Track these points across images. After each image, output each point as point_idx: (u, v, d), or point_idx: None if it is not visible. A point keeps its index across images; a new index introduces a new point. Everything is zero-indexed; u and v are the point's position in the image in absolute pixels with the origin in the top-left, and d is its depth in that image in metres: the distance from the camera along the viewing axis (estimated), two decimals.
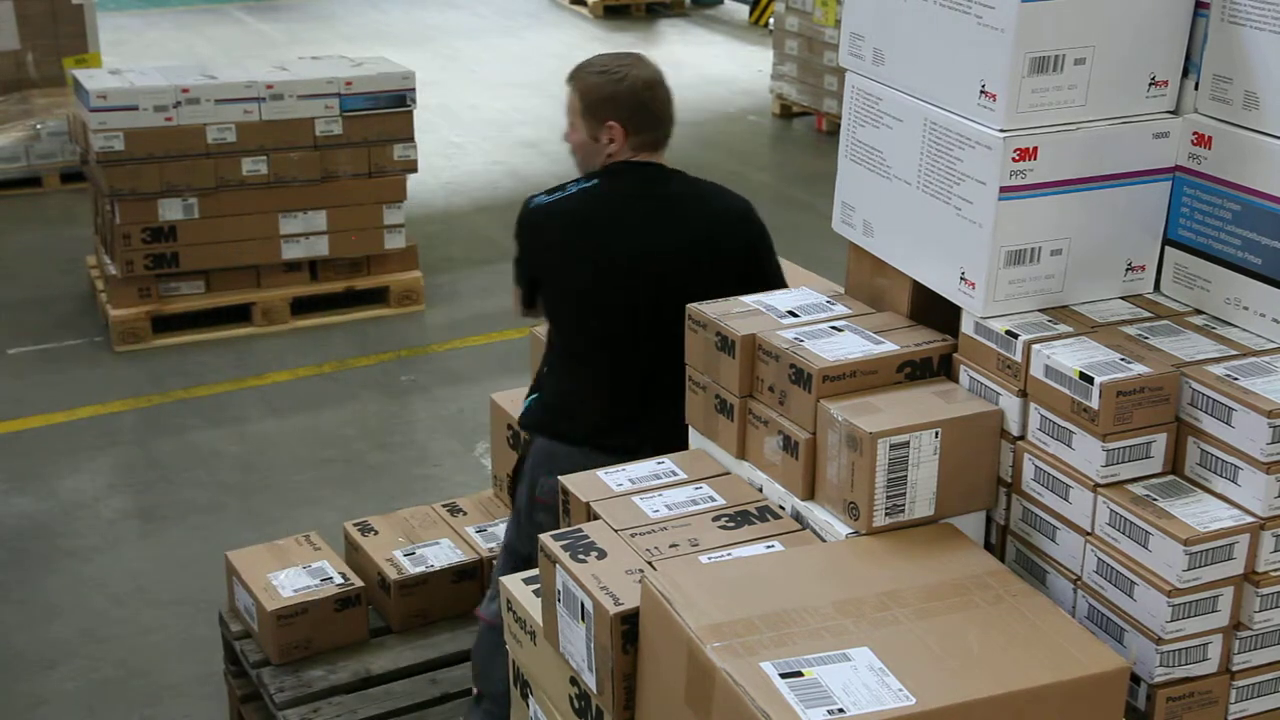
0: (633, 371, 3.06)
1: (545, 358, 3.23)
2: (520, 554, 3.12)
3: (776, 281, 3.08)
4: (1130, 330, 2.18)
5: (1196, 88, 2.20)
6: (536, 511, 3.09)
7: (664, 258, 3.03)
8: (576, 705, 2.26)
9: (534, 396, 3.23)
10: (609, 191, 3.09)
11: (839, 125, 2.53)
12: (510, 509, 3.33)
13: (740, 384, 2.37)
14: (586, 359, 3.12)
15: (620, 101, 3.06)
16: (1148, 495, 2.03)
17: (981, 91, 2.13)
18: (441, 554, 3.66)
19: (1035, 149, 2.13)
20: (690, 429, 2.58)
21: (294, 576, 3.53)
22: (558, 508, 2.71)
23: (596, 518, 2.34)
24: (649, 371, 3.02)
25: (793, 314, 2.44)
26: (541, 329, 3.66)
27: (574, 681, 2.24)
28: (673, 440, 2.69)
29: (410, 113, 6.39)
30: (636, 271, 3.04)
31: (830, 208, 2.57)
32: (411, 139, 6.43)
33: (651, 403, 3.01)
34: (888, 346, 2.30)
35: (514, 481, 3.26)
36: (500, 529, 3.81)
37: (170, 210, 6.04)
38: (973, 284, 2.21)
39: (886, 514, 2.16)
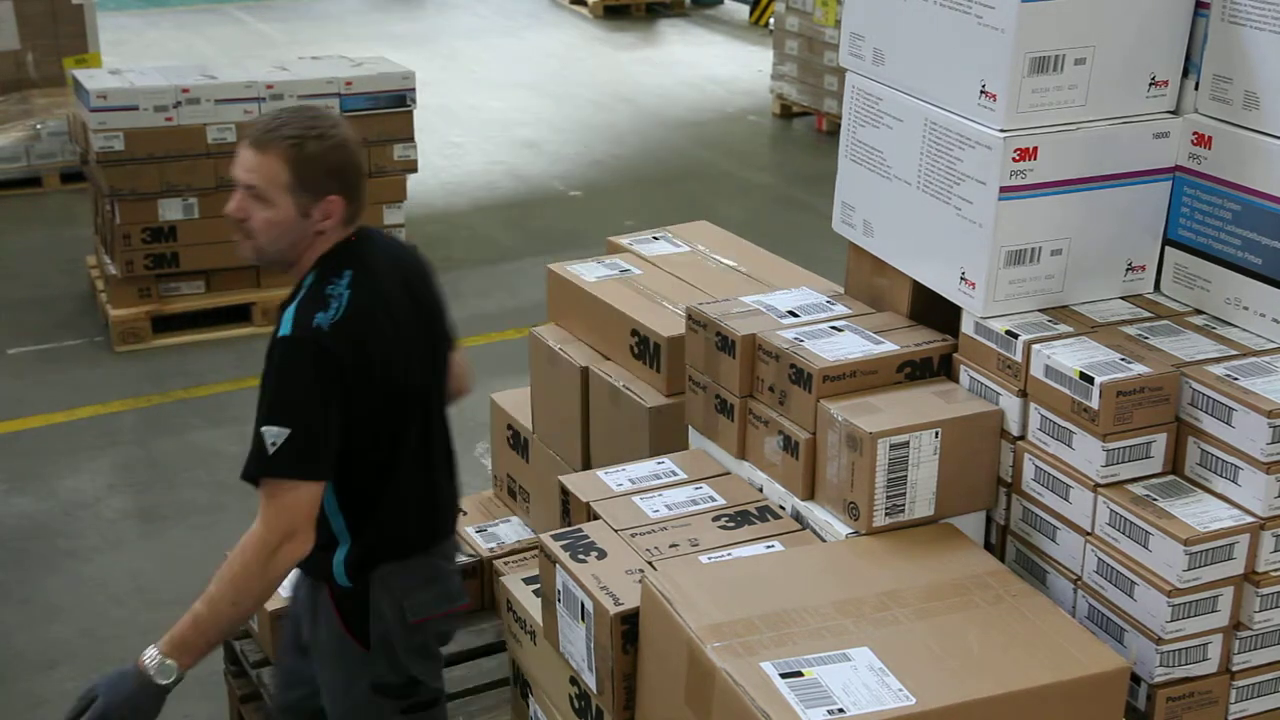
0: (444, 450, 2.89)
1: (333, 520, 2.69)
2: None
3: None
4: (1130, 330, 2.18)
5: (1196, 88, 2.20)
6: (414, 636, 2.68)
7: (438, 324, 2.85)
8: (576, 705, 2.26)
9: (342, 550, 2.69)
10: (379, 280, 2.65)
11: (839, 125, 2.53)
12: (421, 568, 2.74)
13: (740, 384, 2.37)
14: (406, 463, 2.75)
15: (343, 171, 2.57)
16: (1148, 495, 2.03)
17: (982, 91, 2.13)
18: None
19: (1035, 149, 2.13)
20: (690, 429, 2.58)
21: (293, 576, 3.52)
22: (437, 625, 2.63)
23: (597, 518, 2.34)
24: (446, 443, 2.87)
25: (793, 314, 2.44)
26: (542, 329, 3.66)
27: (574, 681, 2.24)
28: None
29: (410, 113, 6.39)
30: (432, 349, 2.81)
31: (830, 208, 2.57)
32: (411, 139, 6.43)
33: (453, 475, 2.89)
34: (888, 346, 2.30)
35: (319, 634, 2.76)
36: (500, 529, 3.81)
37: (170, 210, 6.04)
38: (973, 284, 2.21)
39: (886, 514, 2.16)
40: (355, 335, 2.54)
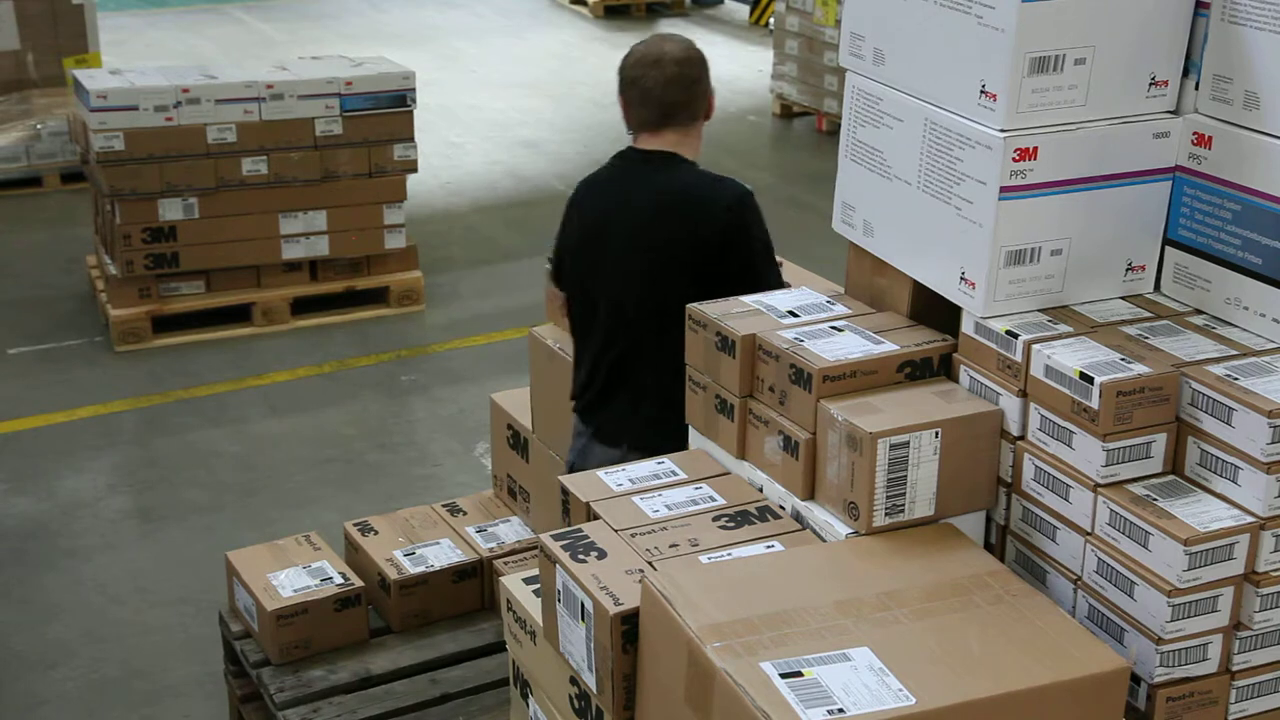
0: (596, 359, 3.15)
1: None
2: None
3: (762, 280, 2.94)
4: (1130, 330, 2.18)
5: (1197, 88, 2.20)
6: None
7: (622, 252, 3.06)
8: (576, 705, 2.26)
9: None
10: (600, 179, 3.19)
11: (839, 125, 2.53)
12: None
13: (740, 384, 2.37)
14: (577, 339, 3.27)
15: (622, 77, 3.10)
16: (1148, 495, 2.03)
17: (982, 91, 2.13)
18: (441, 554, 3.66)
19: (1035, 149, 2.13)
20: (690, 429, 2.58)
21: (294, 576, 3.53)
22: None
23: (596, 518, 2.34)
24: (612, 362, 3.10)
25: (793, 314, 2.44)
26: (542, 329, 3.67)
27: (574, 681, 2.24)
28: (649, 440, 2.70)
29: (410, 113, 6.39)
30: (598, 263, 3.12)
31: (830, 208, 2.57)
32: (411, 139, 6.43)
33: (611, 395, 3.10)
34: (888, 346, 2.30)
35: None
36: (500, 529, 3.81)
37: (170, 210, 6.04)
38: (973, 284, 2.21)
39: (886, 514, 2.16)
40: (569, 203, 3.22)
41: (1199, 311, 2.25)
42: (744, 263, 2.99)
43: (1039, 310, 2.24)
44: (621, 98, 3.12)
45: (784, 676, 1.82)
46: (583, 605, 2.14)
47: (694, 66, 3.07)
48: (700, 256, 2.98)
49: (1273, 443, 1.94)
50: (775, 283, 2.97)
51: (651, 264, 3.00)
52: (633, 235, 3.05)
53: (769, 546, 2.23)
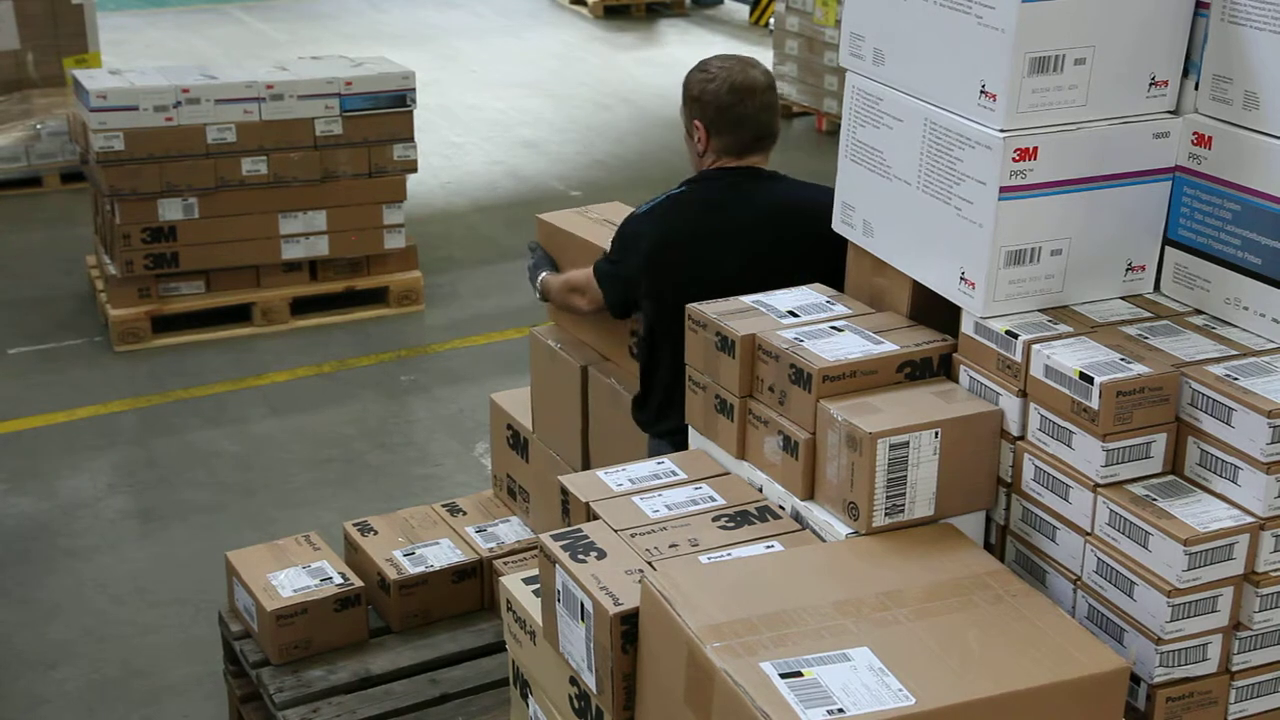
0: None
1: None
2: None
3: None
4: (1130, 330, 2.18)
5: (1196, 88, 2.20)
6: None
7: (738, 264, 3.02)
8: (576, 705, 2.26)
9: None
10: (693, 199, 3.14)
11: (839, 125, 2.53)
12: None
13: (740, 384, 2.37)
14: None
15: (707, 102, 3.10)
16: (1148, 495, 2.03)
17: (981, 91, 2.13)
18: (441, 554, 3.66)
19: (1035, 149, 2.13)
20: (690, 429, 2.58)
21: (294, 576, 3.53)
22: None
23: (596, 518, 2.34)
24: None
25: (793, 314, 2.44)
26: (542, 329, 3.67)
27: (574, 681, 2.24)
28: None
29: (410, 113, 6.39)
30: (709, 281, 2.97)
31: None
32: (411, 139, 6.43)
33: None
34: (888, 346, 2.30)
35: None
36: (500, 529, 3.81)
37: (170, 210, 6.04)
38: (973, 284, 2.21)
39: (886, 514, 2.16)
40: (632, 232, 3.16)
41: (1199, 311, 2.25)
42: None
43: (1039, 310, 2.24)
44: (707, 125, 3.11)
45: (784, 676, 1.82)
46: (582, 605, 2.14)
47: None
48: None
49: (1272, 443, 1.94)
50: None
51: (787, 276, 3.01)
52: (758, 255, 3.07)
53: (769, 546, 2.23)
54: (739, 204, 3.11)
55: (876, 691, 1.79)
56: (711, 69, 3.12)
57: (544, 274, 3.51)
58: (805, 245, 2.97)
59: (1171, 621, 1.96)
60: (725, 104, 3.09)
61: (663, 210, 3.15)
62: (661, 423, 3.15)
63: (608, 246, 3.25)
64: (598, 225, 3.53)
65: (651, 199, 3.19)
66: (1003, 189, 2.13)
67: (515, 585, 2.47)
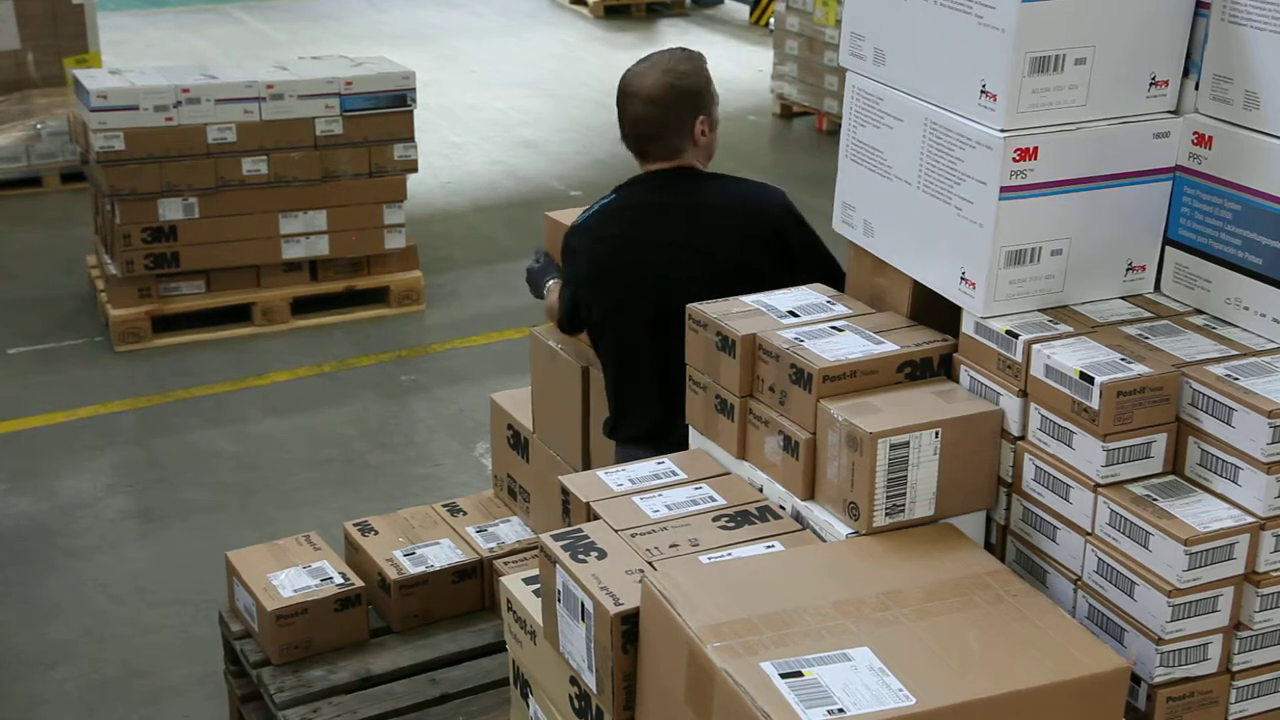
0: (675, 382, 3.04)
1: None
2: None
3: (824, 266, 3.03)
4: (1130, 330, 2.18)
5: (1197, 88, 2.20)
6: None
7: (662, 271, 3.07)
8: (576, 705, 2.26)
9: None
10: (620, 206, 3.19)
11: (839, 125, 2.53)
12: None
13: (740, 384, 2.37)
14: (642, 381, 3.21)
15: (620, 110, 3.14)
16: (1148, 495, 2.03)
17: (982, 91, 2.13)
18: (442, 554, 3.66)
19: (1035, 149, 2.13)
20: (690, 429, 2.58)
21: (294, 576, 3.53)
22: None
23: (596, 518, 2.34)
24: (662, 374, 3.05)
25: (793, 314, 2.44)
26: (542, 329, 3.67)
27: (574, 681, 2.24)
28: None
29: (410, 113, 6.39)
30: (640, 285, 3.11)
31: (830, 208, 2.57)
32: (411, 139, 6.43)
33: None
34: (888, 346, 2.30)
35: None
36: (500, 529, 3.81)
37: (170, 210, 6.04)
38: (973, 284, 2.21)
39: (886, 514, 2.16)
40: (583, 241, 3.21)
41: (1199, 311, 2.25)
42: (812, 251, 3.15)
43: (1039, 310, 2.24)
44: (622, 133, 3.20)
45: (784, 676, 1.82)
46: (583, 605, 2.14)
47: (669, 96, 3.10)
48: (779, 259, 3.11)
49: (1273, 443, 1.94)
50: None
51: (711, 282, 3.04)
52: (680, 259, 3.11)
53: (769, 546, 2.23)
54: (645, 210, 3.17)
55: (877, 691, 1.79)
56: (697, 59, 3.13)
57: (550, 281, 3.50)
58: (751, 243, 3.04)
59: (1172, 621, 1.96)
60: (619, 104, 3.16)
61: (595, 216, 3.23)
62: (618, 430, 3.23)
63: None
64: None
65: (586, 211, 3.29)
66: (1003, 189, 2.13)
67: (515, 585, 2.47)
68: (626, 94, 3.12)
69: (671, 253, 3.08)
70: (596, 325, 3.21)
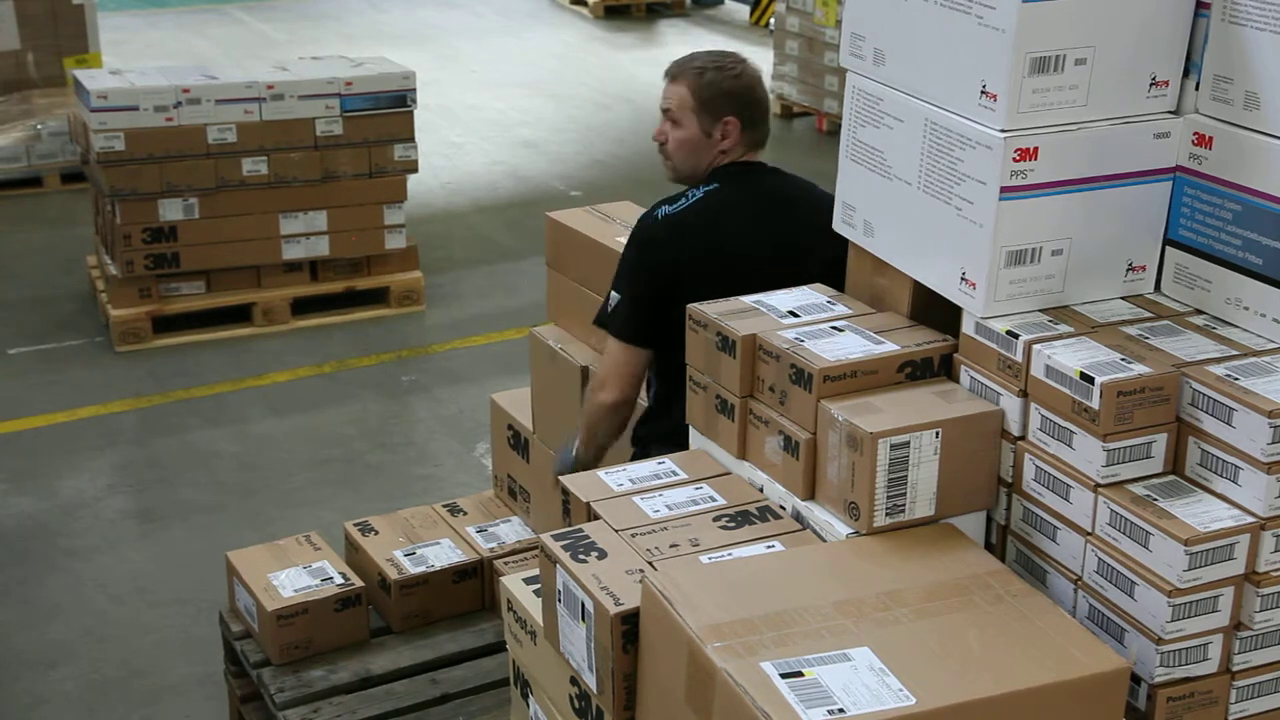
0: None
1: (658, 393, 3.13)
2: None
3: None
4: (1131, 330, 2.18)
5: (1197, 88, 2.20)
6: None
7: (791, 256, 3.02)
8: (576, 705, 2.26)
9: (649, 421, 3.16)
10: (735, 194, 3.07)
11: (839, 125, 2.53)
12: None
13: (741, 384, 2.37)
14: None
15: (739, 97, 3.07)
16: (1148, 495, 2.03)
17: (982, 92, 2.13)
18: (442, 554, 3.66)
19: (1036, 149, 2.13)
20: (691, 429, 2.58)
21: (294, 576, 3.53)
22: None
23: (597, 518, 2.34)
24: None
25: (793, 314, 2.44)
26: (542, 329, 3.66)
27: (574, 681, 2.24)
28: None
29: (410, 113, 6.39)
30: (768, 273, 2.87)
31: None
32: (412, 139, 6.43)
33: None
34: (888, 346, 2.30)
35: None
36: (500, 529, 3.81)
37: (170, 210, 6.05)
38: (973, 284, 2.21)
39: (887, 514, 2.16)
40: (680, 231, 2.99)
41: (1199, 311, 2.25)
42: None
43: (1039, 310, 2.24)
44: (741, 118, 3.07)
45: (784, 676, 1.82)
46: (583, 605, 2.14)
47: None
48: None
49: (1273, 443, 1.94)
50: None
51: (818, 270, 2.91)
52: (807, 246, 3.00)
53: (769, 546, 2.23)
54: (772, 198, 3.12)
55: (877, 691, 1.79)
56: (730, 64, 3.10)
57: (575, 444, 3.23)
58: (815, 234, 2.97)
59: (1172, 621, 1.96)
60: (758, 97, 3.12)
61: (703, 203, 3.04)
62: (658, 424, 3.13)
63: (619, 248, 3.21)
64: (608, 224, 3.53)
65: (676, 197, 3.07)
66: (1003, 189, 2.13)
67: (516, 585, 2.47)
68: (758, 77, 3.11)
69: (792, 245, 3.04)
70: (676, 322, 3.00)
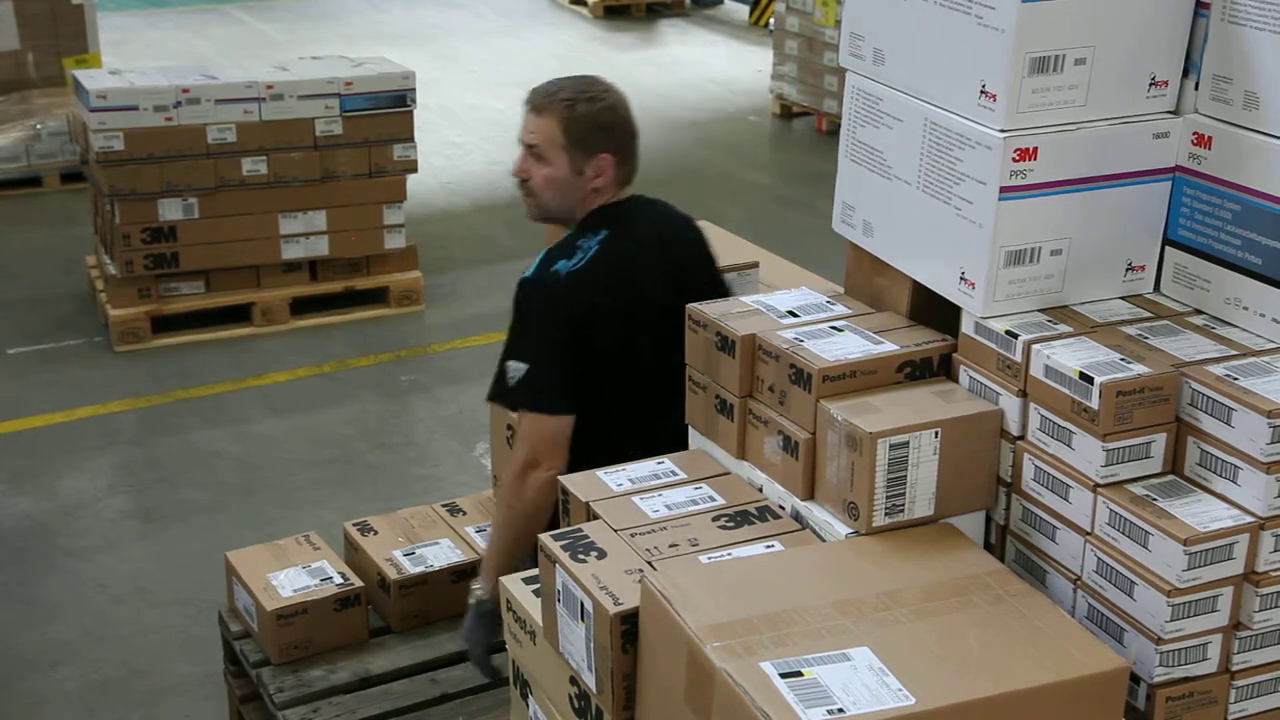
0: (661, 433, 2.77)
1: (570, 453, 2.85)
2: None
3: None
4: (1130, 330, 2.18)
5: (1197, 88, 2.20)
6: None
7: (682, 295, 2.80)
8: (576, 705, 2.26)
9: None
10: (630, 241, 2.86)
11: (839, 125, 2.53)
12: None
13: (740, 384, 2.37)
14: (639, 422, 2.84)
15: (613, 131, 2.80)
16: (1148, 495, 2.03)
17: (982, 92, 2.13)
18: (441, 554, 3.66)
19: (1035, 149, 2.13)
20: (690, 429, 2.58)
21: (294, 576, 3.53)
22: None
23: (596, 518, 2.34)
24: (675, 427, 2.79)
25: (793, 314, 2.44)
26: None
27: (574, 681, 2.25)
28: None
29: (410, 113, 6.40)
30: (665, 316, 2.75)
31: (830, 208, 2.57)
32: (411, 139, 6.43)
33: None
34: (888, 346, 2.30)
35: None
36: None
37: (170, 210, 6.05)
38: (973, 284, 2.21)
39: (886, 514, 2.16)
40: (588, 287, 2.75)
41: (1199, 311, 2.25)
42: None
43: (1039, 310, 2.24)
44: (616, 153, 2.83)
45: (784, 676, 1.82)
46: (582, 605, 2.14)
47: None
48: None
49: (1273, 443, 1.94)
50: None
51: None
52: (699, 277, 2.92)
53: (769, 546, 2.23)
54: (660, 238, 2.95)
55: (876, 691, 1.79)
56: (600, 94, 2.82)
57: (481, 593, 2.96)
58: (697, 267, 2.97)
59: (1171, 621, 1.96)
60: (631, 129, 2.85)
61: (606, 254, 2.82)
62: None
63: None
64: None
65: (571, 250, 2.84)
66: (1003, 189, 2.13)
67: (515, 585, 2.47)
68: (617, 105, 2.84)
69: (689, 280, 2.93)
70: (613, 378, 2.84)
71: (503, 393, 2.78)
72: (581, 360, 2.76)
